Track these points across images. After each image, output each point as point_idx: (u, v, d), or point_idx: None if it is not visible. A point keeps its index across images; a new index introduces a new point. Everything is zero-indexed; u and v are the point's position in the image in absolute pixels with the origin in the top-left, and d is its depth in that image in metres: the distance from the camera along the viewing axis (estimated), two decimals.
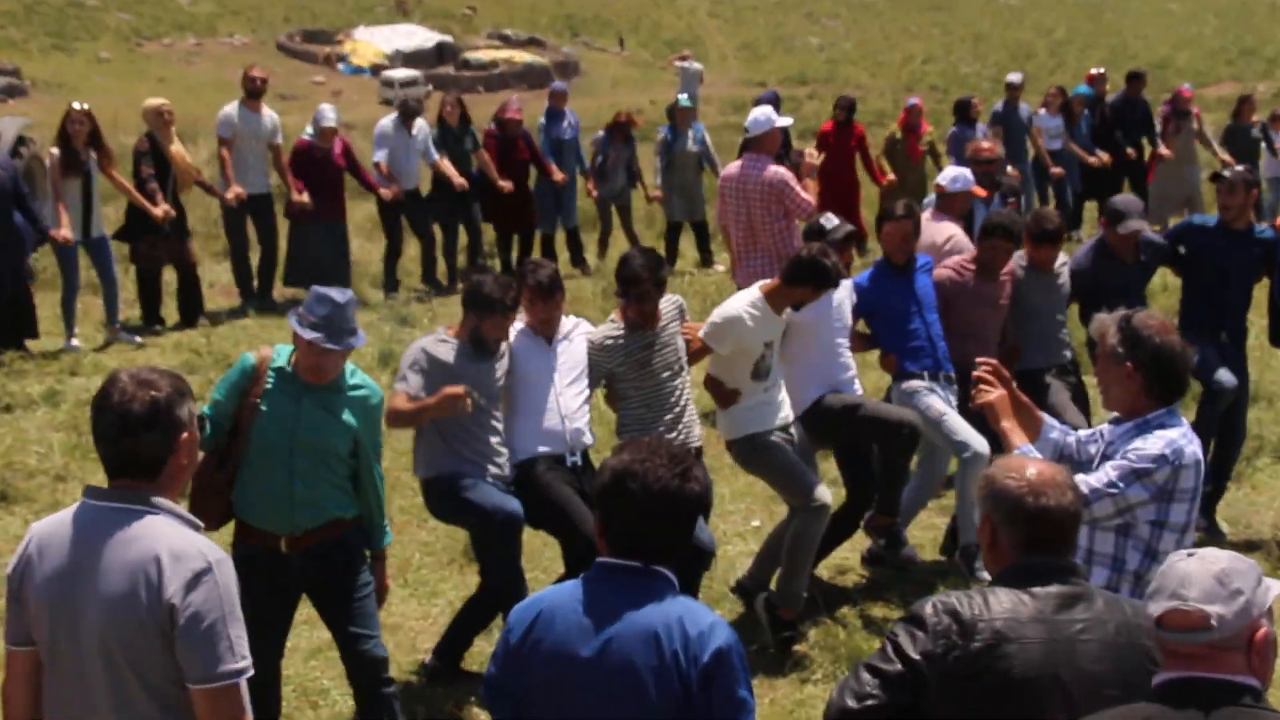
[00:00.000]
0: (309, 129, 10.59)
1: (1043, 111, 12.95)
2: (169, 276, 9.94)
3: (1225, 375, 6.30)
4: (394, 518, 5.99)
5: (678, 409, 5.26)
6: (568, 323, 5.27)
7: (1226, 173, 6.42)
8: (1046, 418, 3.81)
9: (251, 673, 2.72)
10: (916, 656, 2.68)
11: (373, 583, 4.38)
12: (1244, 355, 6.54)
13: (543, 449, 5.08)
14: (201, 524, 2.83)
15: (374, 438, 4.32)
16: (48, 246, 9.39)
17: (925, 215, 6.89)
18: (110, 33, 30.21)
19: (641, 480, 2.68)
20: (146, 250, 9.54)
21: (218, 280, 11.27)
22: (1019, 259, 6.26)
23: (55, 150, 8.93)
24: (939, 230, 6.66)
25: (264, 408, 4.14)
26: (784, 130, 8.20)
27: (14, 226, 8.61)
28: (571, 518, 4.95)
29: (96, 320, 9.57)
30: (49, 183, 8.95)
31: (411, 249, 11.44)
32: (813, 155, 8.18)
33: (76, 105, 9.22)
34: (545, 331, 5.17)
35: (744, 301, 5.27)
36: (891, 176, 11.92)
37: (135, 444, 2.71)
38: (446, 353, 4.90)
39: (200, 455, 4.24)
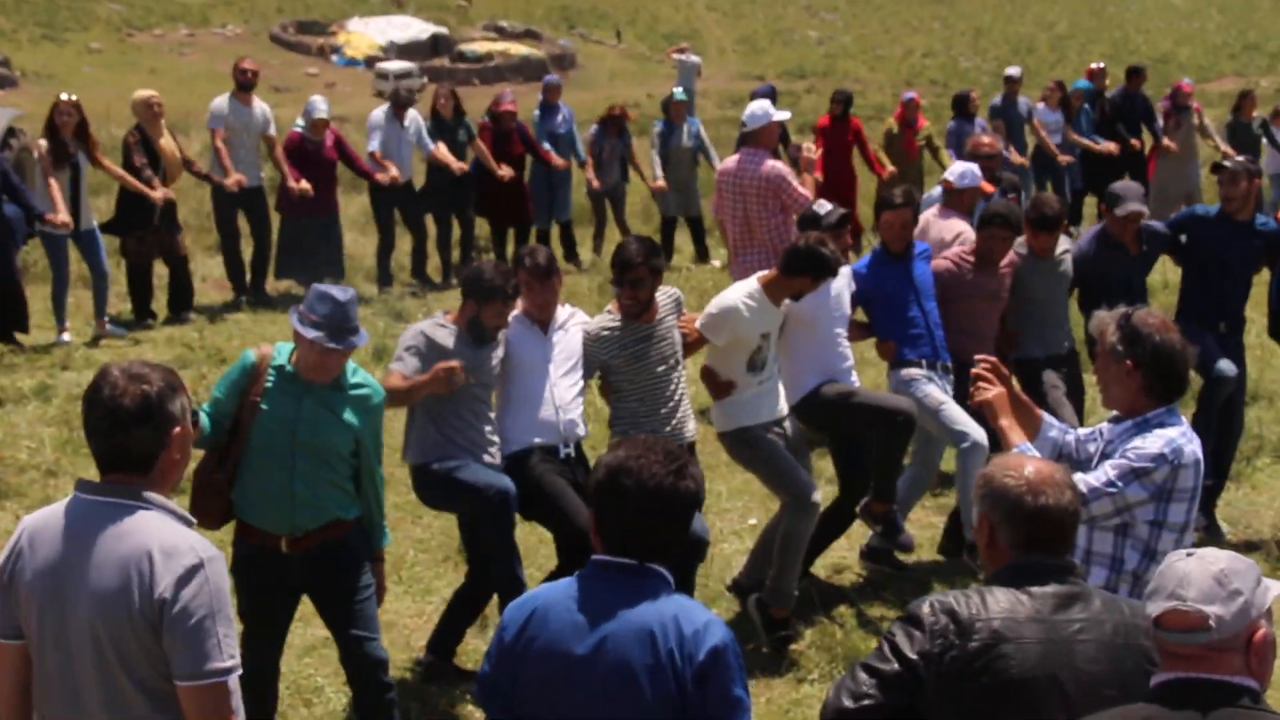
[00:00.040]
0: (300, 121, 10.55)
1: (1041, 105, 12.94)
2: (160, 270, 9.89)
3: (1226, 364, 6.30)
4: (387, 514, 5.96)
5: (671, 404, 5.24)
6: (563, 312, 5.25)
7: (1228, 163, 6.40)
8: (1046, 416, 3.80)
9: (240, 672, 2.70)
10: (913, 656, 2.67)
11: (373, 584, 4.36)
12: (1241, 346, 6.55)
13: (536, 440, 5.06)
14: (194, 520, 2.81)
15: (376, 437, 4.29)
16: (37, 240, 9.35)
17: (932, 211, 6.86)
18: (101, 23, 30.13)
19: (636, 477, 2.67)
20: (135, 244, 9.51)
21: (210, 274, 11.24)
22: (1019, 247, 6.23)
23: (43, 142, 8.89)
24: (948, 227, 6.63)
25: (264, 406, 4.12)
26: (781, 124, 8.17)
27: (3, 219, 8.57)
28: (564, 508, 4.94)
29: (88, 314, 9.53)
30: (39, 172, 8.89)
31: (405, 243, 11.41)
32: (810, 150, 8.16)
33: (64, 96, 9.18)
34: (543, 317, 5.14)
35: (741, 292, 5.25)
36: (891, 169, 11.90)
37: (127, 439, 2.69)
38: (445, 338, 4.88)
39: (199, 453, 4.23)
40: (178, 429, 2.75)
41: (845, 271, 5.77)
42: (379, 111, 11.00)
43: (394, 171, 10.54)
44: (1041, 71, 27.63)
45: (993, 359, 3.76)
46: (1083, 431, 3.79)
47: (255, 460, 4.14)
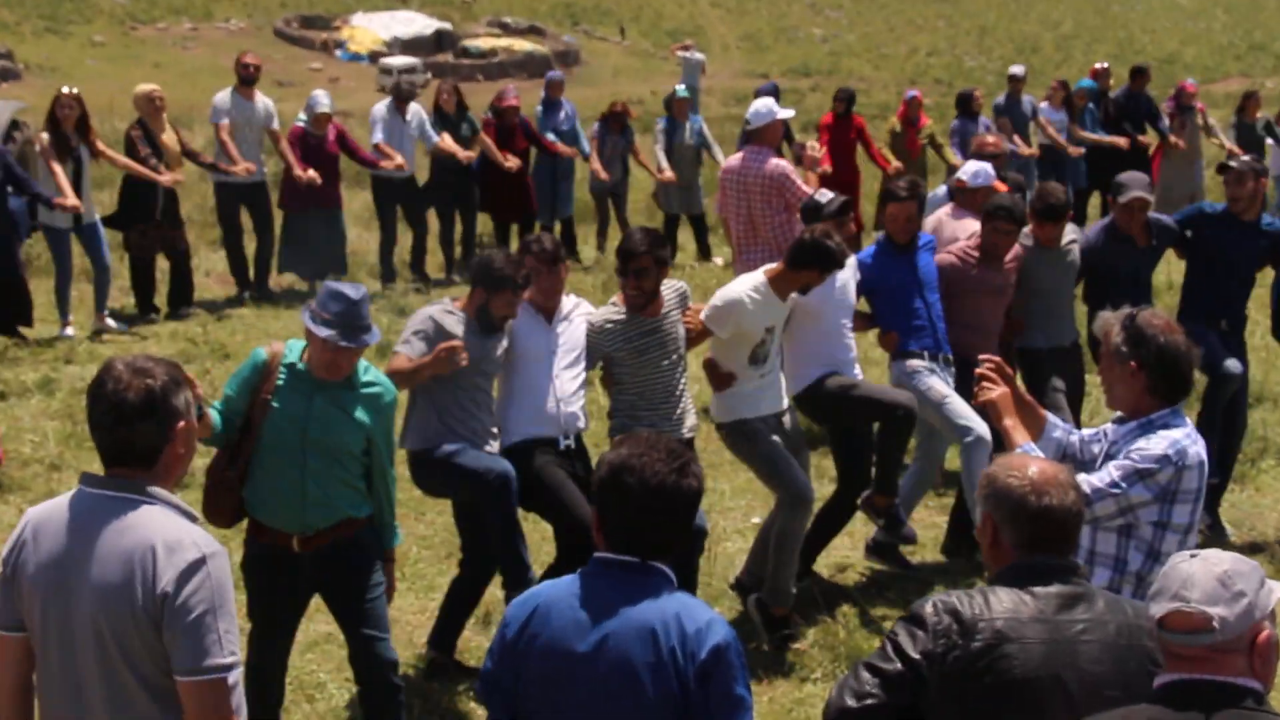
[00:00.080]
0: (302, 115, 10.53)
1: (1045, 105, 12.93)
2: (162, 265, 9.89)
3: (1233, 363, 6.30)
4: None
5: (672, 399, 5.24)
6: (568, 302, 5.24)
7: (1234, 163, 6.38)
8: (1050, 416, 3.79)
9: (240, 668, 2.69)
10: (916, 656, 2.67)
11: (384, 583, 4.35)
12: (1243, 344, 6.55)
13: (536, 432, 5.05)
14: (197, 515, 2.81)
15: (387, 436, 4.27)
16: (40, 234, 9.35)
17: (945, 211, 6.84)
18: (104, 16, 30.09)
19: (639, 475, 2.67)
20: (138, 238, 9.50)
21: (213, 269, 11.24)
22: (1024, 238, 6.20)
23: (45, 135, 8.87)
24: (961, 227, 6.62)
25: (275, 404, 4.11)
26: (785, 122, 8.16)
27: (7, 213, 8.57)
28: (564, 501, 4.94)
29: (91, 308, 9.53)
30: (41, 163, 8.88)
31: (407, 239, 11.39)
32: (814, 148, 8.16)
33: (65, 90, 9.17)
34: (548, 304, 5.13)
35: (747, 285, 5.24)
36: (897, 164, 11.88)
37: (130, 433, 2.69)
38: (453, 324, 4.86)
39: (206, 449, 4.23)
40: (181, 423, 2.74)
41: (850, 262, 5.74)
42: (381, 105, 10.98)
43: (399, 159, 10.50)
44: (1046, 71, 27.58)
45: (997, 359, 3.75)
46: (1087, 432, 3.79)
47: (267, 458, 4.13)
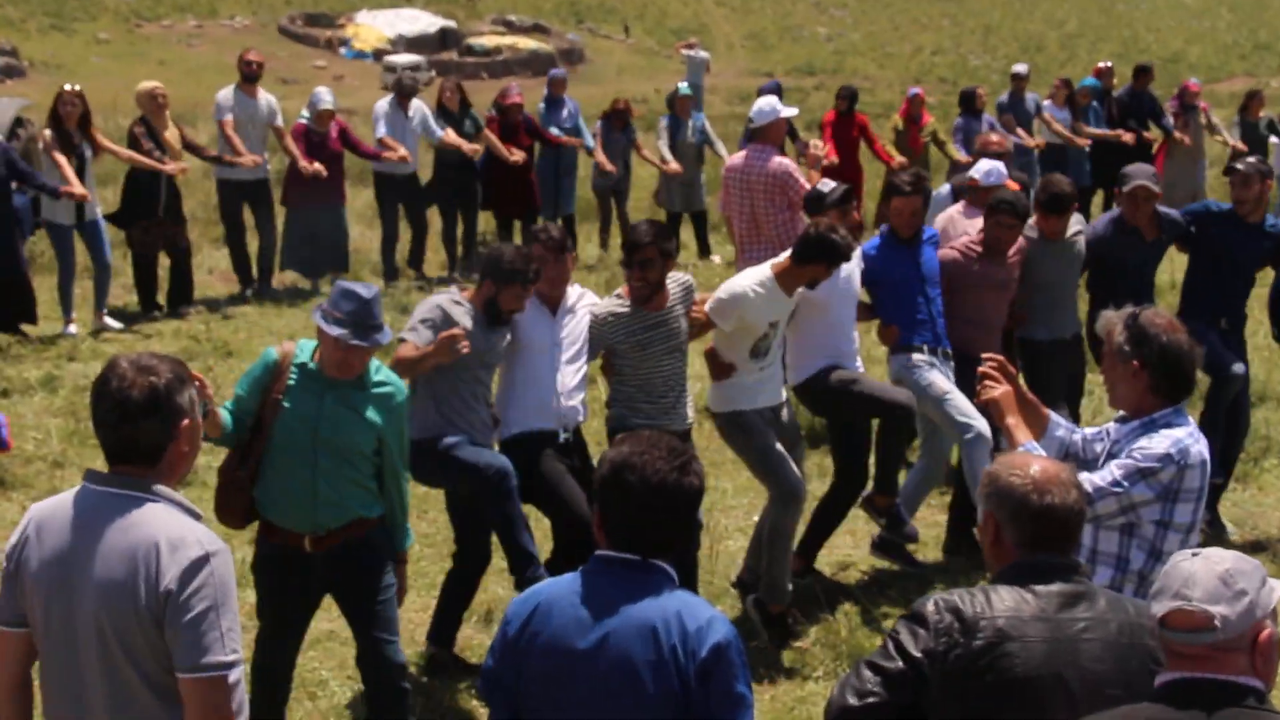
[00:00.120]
0: (305, 112, 10.53)
1: (1048, 103, 12.92)
2: (164, 262, 9.89)
3: (1236, 365, 6.30)
4: None
5: (671, 394, 5.24)
6: (573, 292, 5.23)
7: (1241, 166, 6.35)
8: (1053, 415, 3.79)
9: (241, 667, 2.69)
10: (918, 654, 2.66)
11: (395, 585, 4.34)
12: (1244, 342, 6.55)
13: (535, 425, 5.05)
14: (201, 513, 2.81)
15: (399, 437, 4.26)
16: (43, 232, 9.36)
17: (957, 208, 6.83)
18: (109, 13, 30.11)
19: (640, 473, 2.67)
20: (140, 235, 9.50)
21: (216, 267, 11.25)
22: (1028, 230, 6.18)
23: (48, 132, 8.88)
24: (972, 225, 6.59)
25: (286, 404, 4.10)
26: (789, 121, 8.16)
27: (10, 210, 8.58)
28: (562, 495, 4.95)
29: (94, 305, 9.53)
30: (46, 159, 8.88)
31: (406, 235, 11.37)
32: (817, 147, 8.16)
33: (68, 87, 9.17)
34: (554, 294, 5.12)
35: (752, 279, 5.23)
36: (901, 159, 11.87)
37: (135, 431, 2.69)
38: (461, 315, 4.86)
39: (210, 447, 4.22)
40: (186, 421, 2.74)
41: (855, 253, 5.74)
42: (383, 102, 10.97)
43: (402, 150, 10.46)
44: (1051, 70, 27.54)
45: (1000, 357, 3.75)
46: (1090, 431, 3.78)
47: (277, 458, 4.12)
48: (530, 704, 2.72)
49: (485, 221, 12.00)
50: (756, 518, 6.47)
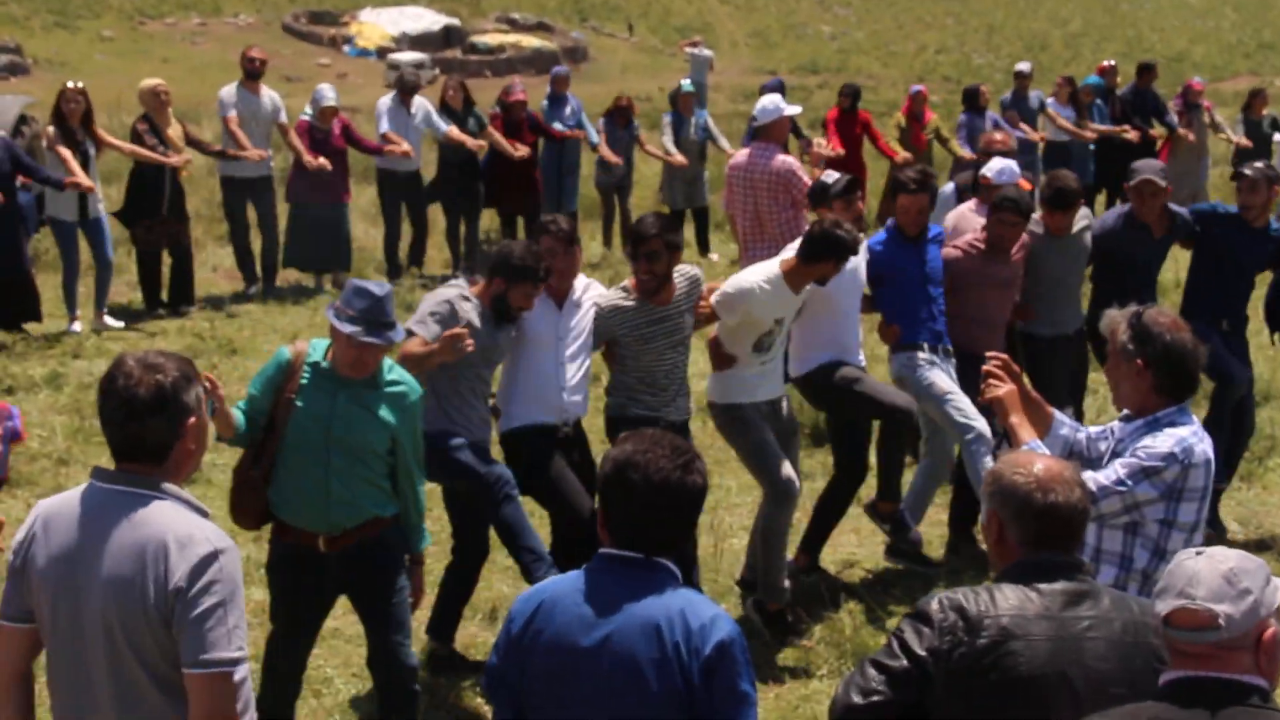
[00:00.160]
0: (308, 109, 10.52)
1: (1051, 100, 12.91)
2: (167, 260, 9.90)
3: (1242, 373, 6.31)
4: None
5: (669, 389, 5.24)
6: (579, 284, 5.22)
7: (1249, 171, 6.31)
8: (1057, 413, 3.79)
9: (247, 665, 2.69)
10: (922, 653, 2.67)
11: (408, 586, 4.33)
12: (1246, 343, 6.54)
13: (537, 418, 5.05)
14: (209, 510, 2.81)
15: (413, 437, 4.24)
16: (48, 230, 9.36)
17: (969, 205, 6.82)
18: (113, 11, 30.13)
19: (643, 471, 2.67)
20: (144, 234, 9.51)
21: (220, 264, 11.25)
22: (1033, 226, 6.16)
23: (51, 128, 8.88)
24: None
25: (299, 403, 4.10)
26: (792, 119, 8.16)
27: (15, 208, 8.59)
28: (562, 491, 4.95)
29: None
30: (50, 156, 8.88)
31: (409, 233, 11.37)
32: (821, 145, 8.16)
33: (71, 84, 9.17)
34: (562, 286, 5.10)
35: (760, 276, 5.22)
36: (905, 154, 11.87)
37: (141, 429, 2.69)
38: (469, 311, 4.85)
39: (216, 445, 4.22)
40: (192, 419, 2.74)
41: (861, 245, 5.73)
42: (386, 99, 10.96)
43: (405, 145, 10.45)
44: (1055, 68, 27.49)
45: (1004, 355, 3.75)
46: (1094, 429, 3.78)
47: (290, 457, 4.11)
48: (534, 702, 2.73)
49: (489, 219, 11.99)
50: None
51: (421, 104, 10.82)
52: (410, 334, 4.68)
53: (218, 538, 2.68)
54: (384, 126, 10.61)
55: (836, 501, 5.83)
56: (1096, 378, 6.81)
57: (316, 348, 4.18)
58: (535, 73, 26.15)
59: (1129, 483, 3.45)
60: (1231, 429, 6.49)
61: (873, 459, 5.84)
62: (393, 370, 4.21)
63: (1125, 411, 3.63)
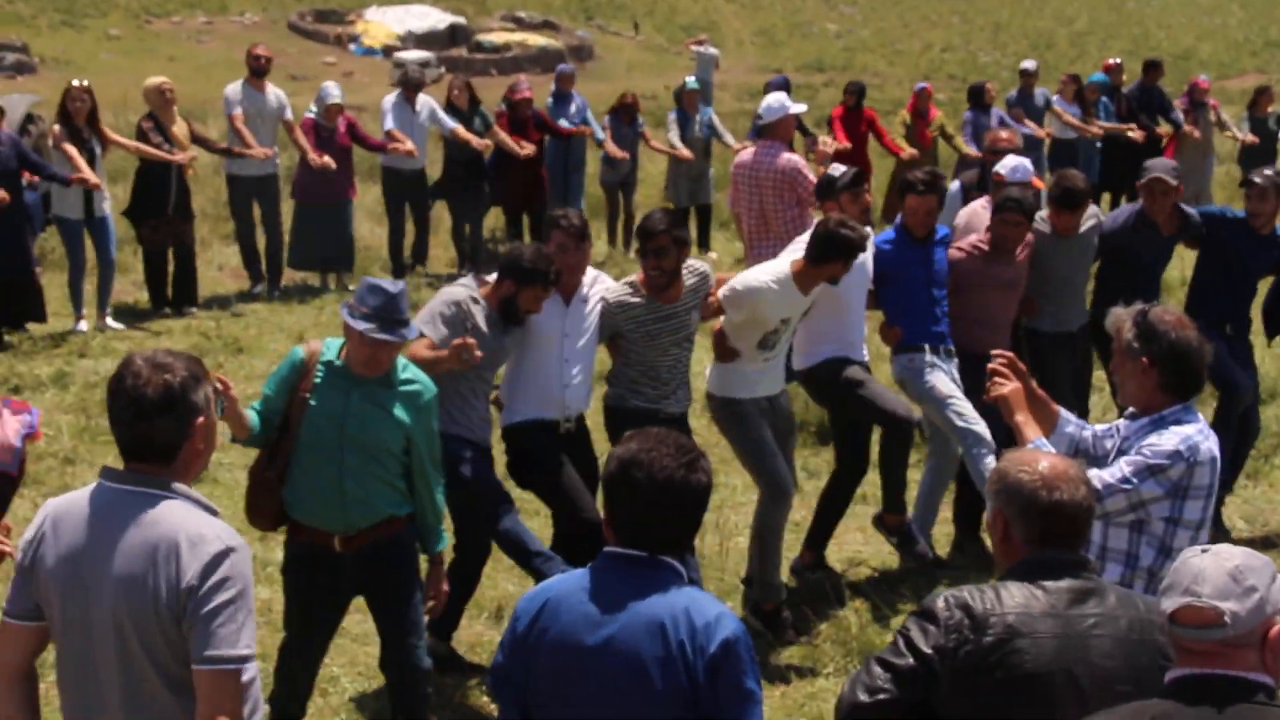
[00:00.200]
0: (313, 107, 10.52)
1: (1057, 97, 12.90)
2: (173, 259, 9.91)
3: (1247, 380, 6.33)
4: None
5: (670, 384, 5.24)
6: (587, 279, 5.21)
7: (1258, 179, 6.28)
8: (1062, 411, 3.78)
9: (255, 663, 2.70)
10: (928, 651, 2.67)
11: (423, 587, 4.32)
12: (1250, 347, 6.54)
13: (538, 414, 5.05)
14: (218, 509, 2.81)
15: (428, 436, 4.22)
16: (54, 229, 9.37)
17: (981, 203, 6.80)
18: (119, 10, 30.16)
19: (647, 470, 2.67)
20: (149, 233, 9.52)
21: (226, 263, 11.26)
22: (1040, 224, 6.15)
23: (57, 126, 8.90)
24: None
25: (313, 402, 4.09)
26: (798, 117, 8.16)
27: (21, 207, 8.60)
28: (563, 488, 4.95)
29: None
30: (57, 154, 8.89)
31: (413, 231, 11.37)
32: (827, 143, 8.14)
33: (76, 82, 9.18)
34: (571, 281, 5.09)
35: (768, 275, 5.21)
36: (911, 151, 11.85)
37: (149, 428, 2.69)
38: (478, 313, 4.85)
39: (224, 442, 4.22)
40: (201, 419, 2.75)
41: (868, 240, 5.72)
42: (390, 96, 10.96)
43: (409, 144, 10.45)
44: (1061, 66, 27.43)
45: (1009, 354, 3.75)
46: (1100, 428, 3.78)
47: (304, 456, 4.10)
48: (539, 700, 2.73)
49: (495, 217, 11.99)
50: None
51: (426, 102, 10.80)
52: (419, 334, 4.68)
53: (229, 536, 2.69)
54: (388, 124, 10.60)
55: (838, 497, 5.84)
56: (1102, 375, 6.79)
57: (330, 346, 4.18)
58: (541, 71, 26.14)
59: (1134, 480, 3.45)
60: (1238, 429, 6.49)
61: (873, 459, 5.85)
62: (407, 369, 4.20)
63: (1131, 410, 3.63)
